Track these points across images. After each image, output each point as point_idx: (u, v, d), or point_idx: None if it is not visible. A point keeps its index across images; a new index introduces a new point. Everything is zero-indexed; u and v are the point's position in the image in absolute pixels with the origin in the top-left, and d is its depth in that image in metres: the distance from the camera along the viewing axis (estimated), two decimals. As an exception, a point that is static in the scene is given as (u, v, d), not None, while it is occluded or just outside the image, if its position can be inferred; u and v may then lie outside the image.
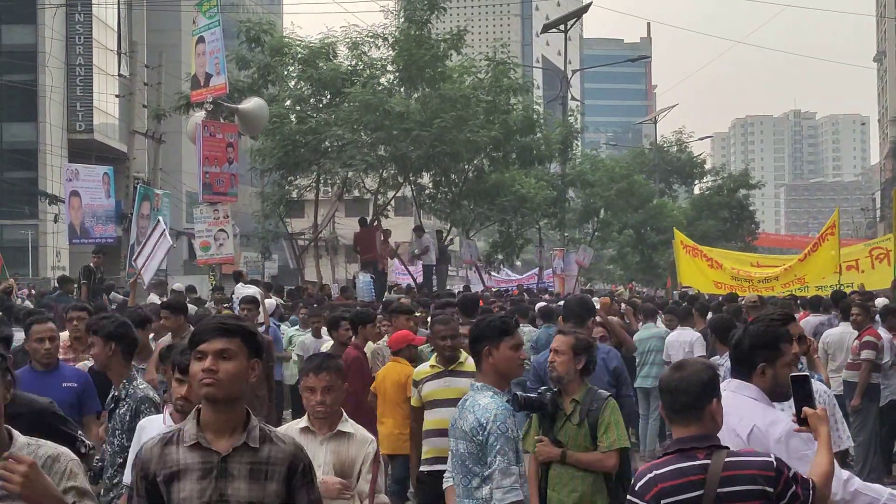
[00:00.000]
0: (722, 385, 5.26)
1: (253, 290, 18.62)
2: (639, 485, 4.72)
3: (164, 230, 19.03)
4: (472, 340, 6.38)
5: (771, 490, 4.52)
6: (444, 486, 6.74)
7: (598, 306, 13.04)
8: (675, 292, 27.95)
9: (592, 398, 7.20)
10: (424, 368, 9.55)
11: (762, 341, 5.46)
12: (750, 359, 5.45)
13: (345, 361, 10.62)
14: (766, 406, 5.36)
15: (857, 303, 15.09)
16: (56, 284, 26.70)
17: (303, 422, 6.52)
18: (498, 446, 5.94)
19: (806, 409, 5.07)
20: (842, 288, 20.97)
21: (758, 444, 5.13)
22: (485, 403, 6.04)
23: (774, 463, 4.58)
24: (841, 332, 14.92)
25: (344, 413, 6.55)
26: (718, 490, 4.51)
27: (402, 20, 32.23)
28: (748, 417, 5.25)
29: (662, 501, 4.59)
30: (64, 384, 8.52)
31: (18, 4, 58.50)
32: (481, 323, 6.48)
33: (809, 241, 24.67)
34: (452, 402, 7.23)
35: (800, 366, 9.83)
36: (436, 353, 9.52)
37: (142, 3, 67.65)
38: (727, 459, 4.57)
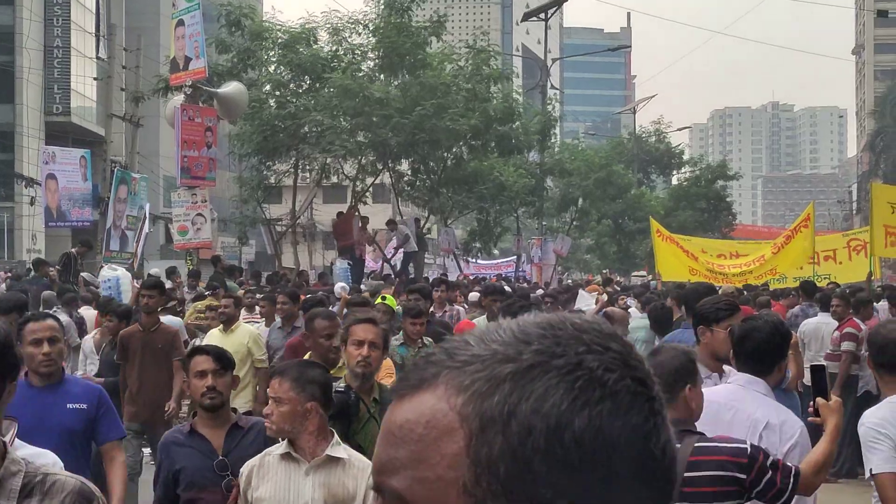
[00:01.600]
0: (730, 378, 5.32)
1: (121, 273, 18.38)
2: None
3: (145, 217, 19.18)
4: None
5: (743, 477, 4.53)
6: None
7: (581, 295, 13.11)
8: (652, 282, 27.98)
9: (387, 397, 6.40)
10: None
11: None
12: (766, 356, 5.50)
13: (287, 347, 10.97)
14: (777, 403, 5.44)
15: (837, 293, 15.15)
16: (31, 267, 26.57)
17: (283, 446, 5.31)
18: None
19: (818, 399, 5.10)
20: (818, 279, 21.08)
21: (771, 439, 5.16)
22: None
23: (748, 450, 4.58)
24: (818, 322, 14.98)
25: (335, 435, 5.38)
26: (685, 474, 4.52)
27: (382, 6, 32.17)
28: (763, 411, 5.29)
29: None
30: (70, 405, 6.64)
31: (-4, -15, 58.12)
32: (518, 304, 7.15)
33: (781, 234, 24.76)
34: None
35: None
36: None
37: (121, -14, 67.31)
38: (697, 444, 4.61)
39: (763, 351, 5.41)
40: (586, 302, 12.10)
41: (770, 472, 4.57)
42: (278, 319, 13.83)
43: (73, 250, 23.23)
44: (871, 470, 5.34)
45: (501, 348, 1.23)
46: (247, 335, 11.96)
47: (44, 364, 6.46)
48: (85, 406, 6.67)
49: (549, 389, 1.19)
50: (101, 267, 22.98)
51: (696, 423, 4.82)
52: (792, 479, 4.62)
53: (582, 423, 1.18)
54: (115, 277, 17.91)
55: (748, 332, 5.58)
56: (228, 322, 12.07)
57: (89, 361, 12.98)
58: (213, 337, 11.78)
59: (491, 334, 1.26)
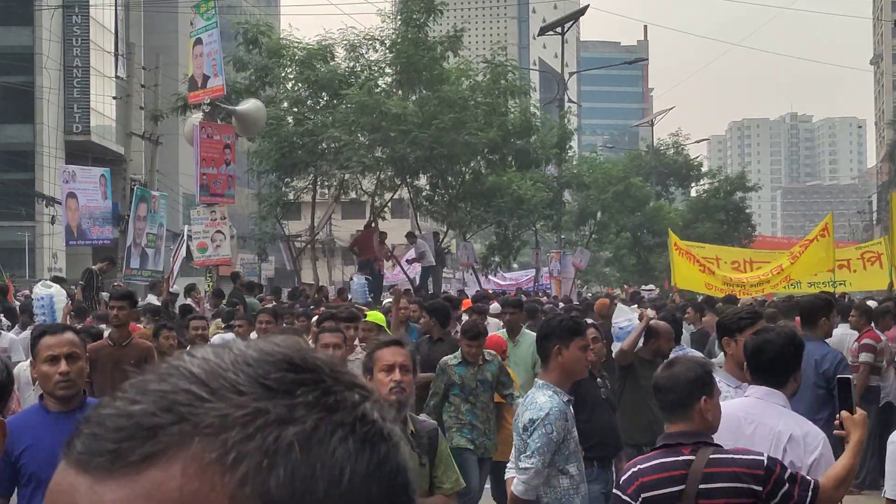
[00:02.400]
0: (748, 391, 5.31)
1: (55, 290, 17.92)
2: (623, 479, 4.79)
3: (184, 240, 19.25)
4: (541, 338, 6.60)
5: (759, 489, 4.48)
6: (506, 476, 6.90)
7: (621, 308, 13.03)
8: (672, 294, 27.92)
9: (423, 429, 5.93)
10: None
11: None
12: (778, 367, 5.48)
13: None
14: (798, 415, 5.41)
15: (856, 304, 15.07)
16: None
17: None
18: (538, 444, 6.22)
19: (843, 412, 5.06)
20: (836, 286, 21.03)
21: (795, 452, 5.13)
22: (542, 402, 6.32)
23: (765, 462, 4.54)
24: (841, 334, 14.91)
25: None
26: (700, 486, 4.50)
27: (398, 22, 32.26)
28: (784, 424, 5.25)
29: (643, 495, 4.61)
30: None
31: (15, 5, 58.52)
32: (552, 321, 6.73)
33: (798, 244, 24.72)
34: None
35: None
36: None
37: (139, 5, 67.68)
38: (712, 456, 4.57)
39: (778, 362, 5.40)
40: (626, 316, 11.87)
41: (787, 485, 4.52)
42: None
43: (95, 267, 23.33)
44: (885, 491, 5.32)
45: (258, 404, 0.95)
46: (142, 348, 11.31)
47: (61, 385, 5.55)
48: None
49: (347, 455, 0.96)
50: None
51: (714, 437, 4.76)
52: (811, 493, 4.58)
53: (379, 489, 0.97)
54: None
55: (761, 345, 5.57)
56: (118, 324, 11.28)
57: None
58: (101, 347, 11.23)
59: (216, 379, 0.97)
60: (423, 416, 6.24)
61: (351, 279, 29.86)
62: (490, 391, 10.52)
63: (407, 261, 33.09)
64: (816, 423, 9.27)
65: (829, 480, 4.82)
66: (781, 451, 5.01)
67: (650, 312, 11.13)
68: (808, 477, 4.70)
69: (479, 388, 10.39)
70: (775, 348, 5.50)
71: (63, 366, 5.54)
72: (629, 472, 4.74)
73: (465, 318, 14.78)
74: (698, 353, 11.84)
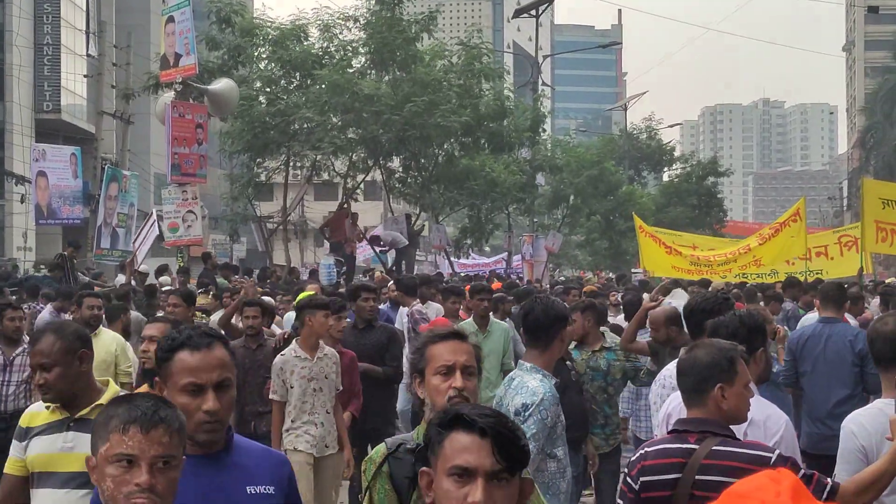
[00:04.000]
0: None
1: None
2: (631, 460, 4.73)
3: (154, 220, 19.13)
4: (544, 321, 6.33)
5: None
6: None
7: (678, 293, 12.68)
8: (645, 276, 27.96)
9: None
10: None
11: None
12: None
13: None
14: (759, 398, 5.25)
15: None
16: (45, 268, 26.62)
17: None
18: (533, 431, 5.86)
19: (891, 415, 4.92)
20: (810, 274, 21.09)
21: (755, 435, 5.03)
22: (534, 387, 6.02)
23: (772, 458, 4.38)
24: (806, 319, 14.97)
25: None
26: (697, 477, 4.41)
27: (373, 2, 32.13)
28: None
29: (642, 479, 4.56)
30: (249, 488, 3.96)
31: (-14, -18, 57.96)
32: (555, 304, 6.52)
33: (768, 226, 24.76)
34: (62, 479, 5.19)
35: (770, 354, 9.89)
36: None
37: (111, -17, 67.17)
38: (714, 448, 4.45)
39: (744, 342, 5.32)
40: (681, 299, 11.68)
41: None
42: None
43: (65, 252, 23.24)
44: (835, 475, 5.21)
45: None
46: (113, 342, 10.68)
47: (207, 428, 3.88)
48: (273, 490, 4.03)
49: None
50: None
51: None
52: (826, 494, 4.43)
53: None
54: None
55: (716, 328, 5.56)
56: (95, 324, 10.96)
57: None
58: None
59: None
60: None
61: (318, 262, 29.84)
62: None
63: (376, 247, 33.04)
64: (853, 399, 9.37)
65: (852, 484, 4.70)
66: (742, 434, 4.91)
67: (647, 298, 10.81)
68: (827, 479, 4.55)
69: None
70: (728, 331, 5.49)
71: (211, 401, 3.80)
72: (637, 454, 4.69)
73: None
74: None
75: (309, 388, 9.41)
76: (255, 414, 10.64)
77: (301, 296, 11.26)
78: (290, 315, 13.75)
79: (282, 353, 9.64)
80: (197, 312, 14.94)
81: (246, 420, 10.56)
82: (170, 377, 3.89)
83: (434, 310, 14.20)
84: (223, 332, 11.81)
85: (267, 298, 14.52)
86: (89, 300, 11.35)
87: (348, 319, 11.14)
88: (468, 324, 11.73)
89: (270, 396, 9.56)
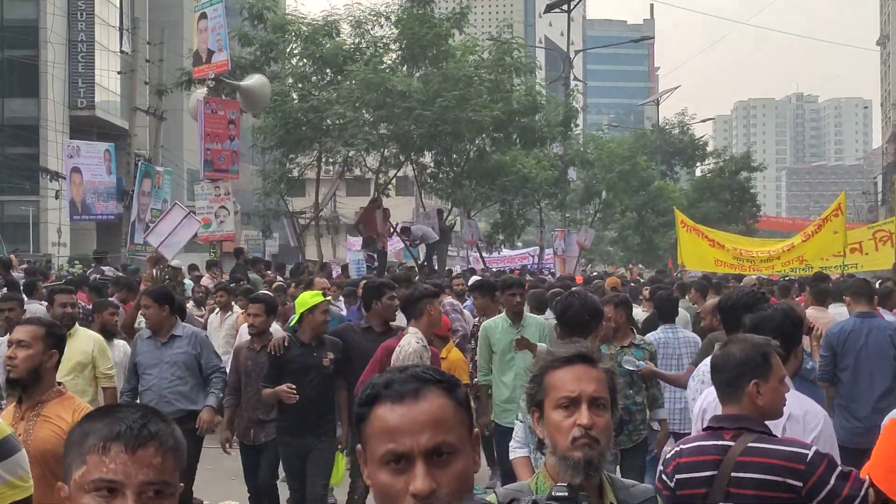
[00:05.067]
0: None
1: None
2: (666, 456, 4.67)
3: (188, 213, 19.13)
4: (574, 318, 6.47)
5: (798, 484, 4.24)
6: (512, 456, 6.56)
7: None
8: (677, 274, 27.84)
9: (629, 493, 3.69)
10: None
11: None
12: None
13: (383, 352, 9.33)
14: (797, 393, 5.20)
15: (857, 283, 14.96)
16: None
17: None
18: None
19: None
20: (845, 268, 20.96)
21: (794, 430, 4.93)
22: None
23: (808, 455, 4.29)
24: (835, 314, 14.84)
25: None
26: (732, 474, 4.35)
27: (406, -1, 32.13)
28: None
29: (677, 476, 4.51)
30: None
31: (20, -21, 58.41)
32: (587, 302, 6.62)
33: (811, 223, 24.62)
34: None
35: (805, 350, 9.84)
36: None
37: (144, -20, 67.51)
38: (750, 444, 4.38)
39: (778, 339, 5.28)
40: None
41: (833, 482, 4.23)
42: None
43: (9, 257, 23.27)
44: None
45: None
46: (90, 341, 9.73)
47: None
48: None
49: None
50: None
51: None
52: (864, 490, 4.21)
53: None
54: None
55: (759, 323, 5.51)
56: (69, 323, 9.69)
57: None
58: None
59: None
60: (631, 481, 3.78)
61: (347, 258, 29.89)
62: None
63: (406, 241, 33.07)
64: (894, 392, 9.34)
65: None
66: (781, 429, 4.84)
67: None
68: (864, 478, 4.29)
69: None
70: (773, 325, 5.44)
71: (420, 479, 2.40)
72: (673, 451, 4.63)
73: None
74: (693, 335, 11.76)
75: None
76: (255, 422, 10.01)
77: (304, 295, 9.89)
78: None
79: (413, 340, 8.68)
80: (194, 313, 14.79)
81: (247, 428, 10.07)
82: (367, 444, 2.52)
83: None
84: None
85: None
86: (61, 297, 10.41)
87: (360, 323, 10.48)
88: (501, 318, 10.69)
89: None
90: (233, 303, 15.44)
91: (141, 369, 9.97)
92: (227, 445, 10.33)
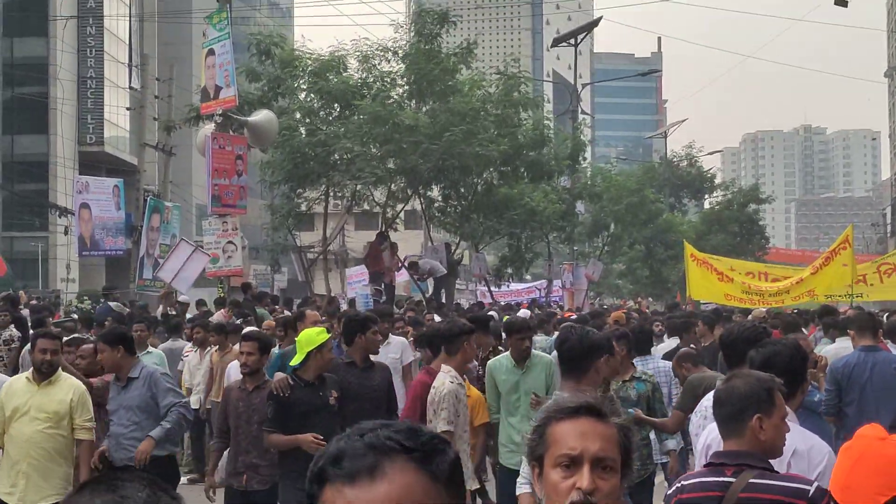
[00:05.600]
0: None
1: None
2: (668, 492, 4.64)
3: (195, 248, 19.18)
4: (580, 351, 6.28)
5: None
6: (518, 492, 6.54)
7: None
8: (686, 306, 27.78)
9: None
10: None
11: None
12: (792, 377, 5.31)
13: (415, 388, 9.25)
14: (801, 428, 5.22)
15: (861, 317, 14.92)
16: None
17: None
18: None
19: None
20: (853, 298, 20.91)
21: (800, 466, 4.93)
22: None
23: (810, 492, 4.22)
24: (838, 347, 14.77)
25: None
26: None
27: (412, 34, 32.26)
28: (789, 438, 5.08)
29: None
30: None
31: (30, 17, 58.71)
32: (591, 335, 6.45)
33: (820, 256, 24.61)
34: None
35: (812, 383, 9.81)
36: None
37: (153, 16, 67.84)
38: (752, 480, 4.32)
39: (787, 375, 5.26)
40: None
41: None
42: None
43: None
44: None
45: None
46: (70, 390, 9.09)
47: None
48: None
49: None
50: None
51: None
52: None
53: None
54: None
55: (770, 358, 5.48)
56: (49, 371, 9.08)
57: None
58: (19, 389, 9.07)
59: None
60: None
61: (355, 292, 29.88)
62: None
63: (413, 275, 33.10)
64: None
65: None
66: (786, 465, 4.83)
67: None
68: None
69: None
70: (784, 361, 5.43)
71: None
72: (674, 486, 4.60)
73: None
74: (668, 364, 11.80)
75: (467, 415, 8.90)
76: (249, 466, 9.47)
77: (308, 332, 9.38)
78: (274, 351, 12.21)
79: (447, 381, 8.48)
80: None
81: (238, 472, 9.50)
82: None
83: (398, 344, 13.26)
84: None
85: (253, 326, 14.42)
86: (43, 342, 9.20)
87: (342, 357, 10.08)
88: (504, 358, 10.25)
89: (445, 428, 8.25)
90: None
91: (109, 416, 9.56)
92: (212, 492, 9.81)
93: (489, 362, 10.60)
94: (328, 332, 9.55)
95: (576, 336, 6.33)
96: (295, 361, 9.15)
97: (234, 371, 11.86)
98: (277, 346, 12.52)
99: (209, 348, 14.90)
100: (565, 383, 6.28)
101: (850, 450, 3.54)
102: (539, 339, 15.61)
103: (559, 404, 3.25)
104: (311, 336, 9.14)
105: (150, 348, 14.04)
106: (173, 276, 19.45)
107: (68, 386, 9.09)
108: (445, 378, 8.49)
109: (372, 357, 10.03)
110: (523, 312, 18.18)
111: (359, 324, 9.91)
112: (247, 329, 12.67)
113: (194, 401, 14.44)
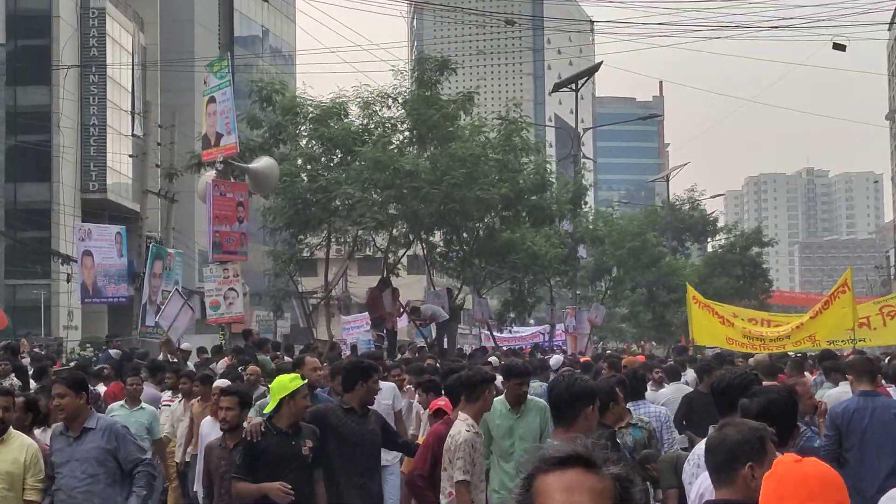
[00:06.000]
0: None
1: None
2: None
3: (185, 301, 19.21)
4: (567, 399, 6.19)
5: None
6: None
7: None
8: (690, 349, 27.70)
9: None
10: None
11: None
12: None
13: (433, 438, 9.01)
14: None
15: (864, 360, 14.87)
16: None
17: None
18: None
19: None
20: (855, 343, 20.86)
21: None
22: None
23: None
24: (839, 392, 14.70)
25: None
26: None
27: (412, 81, 32.38)
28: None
29: None
30: None
31: (34, 65, 59.01)
32: (578, 382, 6.37)
33: (820, 300, 24.61)
34: None
35: (812, 428, 9.75)
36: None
37: (156, 64, 68.18)
38: None
39: (782, 421, 5.25)
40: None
41: None
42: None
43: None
44: None
45: None
46: (23, 450, 8.77)
47: None
48: None
49: None
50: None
51: None
52: None
53: None
54: None
55: (766, 406, 5.45)
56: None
57: None
58: None
59: None
60: None
61: (357, 338, 29.89)
62: None
63: (416, 321, 33.11)
64: None
65: None
66: None
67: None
68: None
69: None
70: (779, 409, 5.42)
71: None
72: None
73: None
74: (662, 409, 11.83)
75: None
76: None
77: (281, 379, 9.11)
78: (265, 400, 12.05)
79: (464, 429, 8.30)
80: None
81: None
82: None
83: (389, 389, 13.06)
84: None
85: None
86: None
87: (342, 404, 9.76)
88: (500, 401, 10.14)
89: (461, 477, 8.15)
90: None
91: (55, 468, 8.85)
92: None
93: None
94: (303, 378, 9.16)
95: (564, 383, 6.29)
96: (268, 409, 8.87)
97: (207, 427, 11.34)
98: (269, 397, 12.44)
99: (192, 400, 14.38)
100: (556, 431, 6.23)
101: (772, 476, 3.68)
102: (534, 384, 15.58)
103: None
104: (284, 382, 8.83)
105: (143, 404, 13.77)
106: (169, 325, 19.48)
107: (21, 445, 8.74)
108: (462, 426, 8.35)
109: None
110: (493, 359, 18.10)
111: (361, 371, 9.67)
112: (220, 382, 12.34)
113: (178, 453, 14.29)
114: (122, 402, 13.65)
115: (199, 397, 13.54)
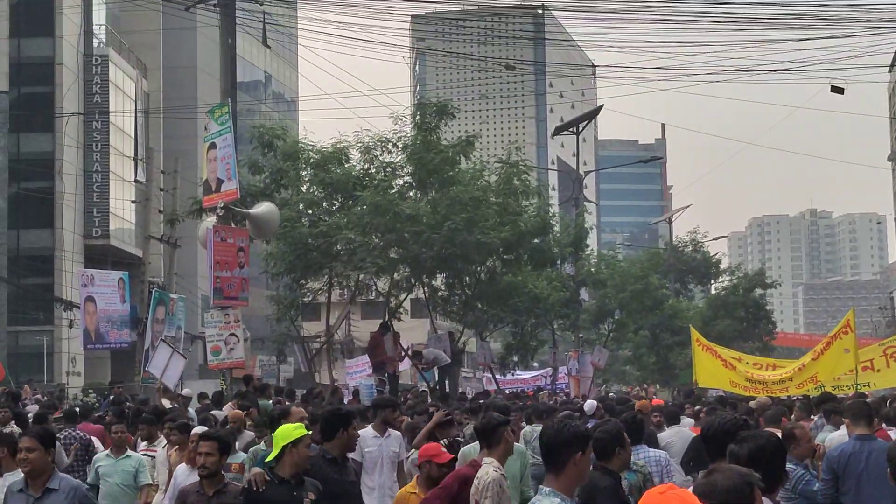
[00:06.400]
0: None
1: None
2: None
3: (173, 350, 19.23)
4: (556, 444, 6.08)
5: None
6: None
7: None
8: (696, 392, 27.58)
9: None
10: None
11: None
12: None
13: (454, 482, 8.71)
14: None
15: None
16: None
17: None
18: None
19: None
20: (859, 387, 20.77)
21: None
22: None
23: None
24: (840, 436, 14.65)
25: None
26: None
27: (413, 126, 32.47)
28: None
29: None
30: None
31: (37, 113, 59.22)
32: (568, 427, 6.19)
33: (819, 342, 24.54)
34: None
35: (811, 471, 9.72)
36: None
37: (159, 111, 68.41)
38: None
39: (770, 469, 5.25)
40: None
41: None
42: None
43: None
44: None
45: None
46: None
47: None
48: None
49: None
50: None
51: None
52: None
53: None
54: None
55: (755, 453, 5.44)
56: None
57: None
58: None
59: None
60: None
61: (358, 383, 29.82)
62: None
63: (418, 365, 33.07)
64: None
65: None
66: None
67: None
68: None
69: None
70: (768, 456, 5.41)
71: None
72: None
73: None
74: (661, 453, 11.71)
75: None
76: None
77: (285, 427, 8.84)
78: (259, 447, 12.23)
79: (491, 470, 8.07)
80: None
81: None
82: None
83: (396, 438, 12.32)
84: None
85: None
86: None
87: (323, 454, 9.37)
88: (473, 448, 10.07)
89: None
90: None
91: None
92: None
93: (463, 448, 10.49)
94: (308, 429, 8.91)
95: (553, 428, 6.22)
96: (270, 457, 8.62)
97: (182, 475, 10.90)
98: (264, 444, 12.30)
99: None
100: (547, 475, 6.16)
101: None
102: (529, 428, 15.61)
103: None
104: (288, 431, 8.57)
105: (129, 452, 13.50)
106: (161, 373, 19.52)
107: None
108: (490, 468, 8.16)
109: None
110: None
111: (342, 418, 9.35)
112: (198, 428, 12.07)
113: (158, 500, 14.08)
114: (107, 451, 13.41)
115: (176, 445, 13.26)
